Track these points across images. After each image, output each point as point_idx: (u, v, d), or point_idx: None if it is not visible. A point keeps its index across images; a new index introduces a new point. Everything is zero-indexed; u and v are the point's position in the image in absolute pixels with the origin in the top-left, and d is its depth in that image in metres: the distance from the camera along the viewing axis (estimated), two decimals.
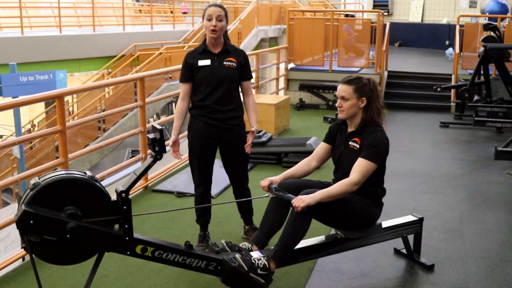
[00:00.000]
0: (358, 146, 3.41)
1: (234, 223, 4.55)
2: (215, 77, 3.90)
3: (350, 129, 3.51)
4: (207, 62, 3.91)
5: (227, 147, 4.06)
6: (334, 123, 3.68)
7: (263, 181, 3.46)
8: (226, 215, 4.78)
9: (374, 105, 3.45)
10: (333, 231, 3.79)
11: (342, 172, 3.48)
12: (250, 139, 4.09)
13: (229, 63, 3.94)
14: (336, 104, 3.50)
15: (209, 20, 3.82)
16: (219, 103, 3.92)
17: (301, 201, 3.17)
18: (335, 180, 3.51)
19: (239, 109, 4.06)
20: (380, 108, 3.48)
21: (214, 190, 5.17)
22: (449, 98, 10.80)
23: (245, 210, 4.31)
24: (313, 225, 3.37)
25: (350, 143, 3.46)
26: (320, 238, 3.61)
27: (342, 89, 3.45)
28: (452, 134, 8.74)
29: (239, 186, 4.22)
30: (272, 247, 3.33)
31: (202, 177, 4.10)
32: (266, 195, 3.45)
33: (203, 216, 4.19)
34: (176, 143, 4.07)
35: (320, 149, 3.69)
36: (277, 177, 3.52)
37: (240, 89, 4.10)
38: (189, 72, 3.96)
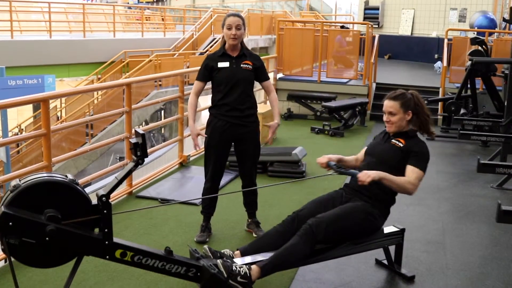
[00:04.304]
0: (401, 144, 3.65)
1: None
2: (233, 78, 4.29)
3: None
4: (226, 64, 4.32)
5: (241, 140, 4.38)
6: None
7: (321, 158, 3.65)
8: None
9: (422, 116, 3.71)
10: None
11: (376, 157, 3.72)
12: (271, 132, 4.48)
13: (246, 65, 4.34)
14: (384, 119, 3.72)
15: (229, 29, 4.22)
16: (237, 102, 4.30)
17: (367, 175, 3.35)
18: (364, 163, 3.73)
19: (254, 107, 4.45)
20: (427, 117, 3.75)
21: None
22: (436, 111, 10.85)
23: (251, 204, 4.59)
24: None
25: (393, 140, 3.69)
26: None
27: (389, 105, 3.67)
28: (438, 147, 8.78)
29: (249, 179, 4.50)
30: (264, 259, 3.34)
31: (214, 172, 4.40)
32: (330, 173, 3.60)
33: (208, 209, 4.51)
34: (198, 135, 4.42)
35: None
36: (334, 156, 3.71)
37: (260, 89, 4.41)
38: (207, 73, 4.36)
